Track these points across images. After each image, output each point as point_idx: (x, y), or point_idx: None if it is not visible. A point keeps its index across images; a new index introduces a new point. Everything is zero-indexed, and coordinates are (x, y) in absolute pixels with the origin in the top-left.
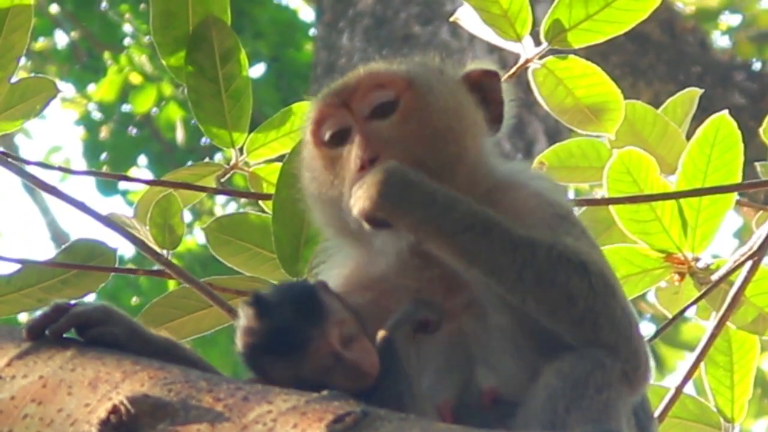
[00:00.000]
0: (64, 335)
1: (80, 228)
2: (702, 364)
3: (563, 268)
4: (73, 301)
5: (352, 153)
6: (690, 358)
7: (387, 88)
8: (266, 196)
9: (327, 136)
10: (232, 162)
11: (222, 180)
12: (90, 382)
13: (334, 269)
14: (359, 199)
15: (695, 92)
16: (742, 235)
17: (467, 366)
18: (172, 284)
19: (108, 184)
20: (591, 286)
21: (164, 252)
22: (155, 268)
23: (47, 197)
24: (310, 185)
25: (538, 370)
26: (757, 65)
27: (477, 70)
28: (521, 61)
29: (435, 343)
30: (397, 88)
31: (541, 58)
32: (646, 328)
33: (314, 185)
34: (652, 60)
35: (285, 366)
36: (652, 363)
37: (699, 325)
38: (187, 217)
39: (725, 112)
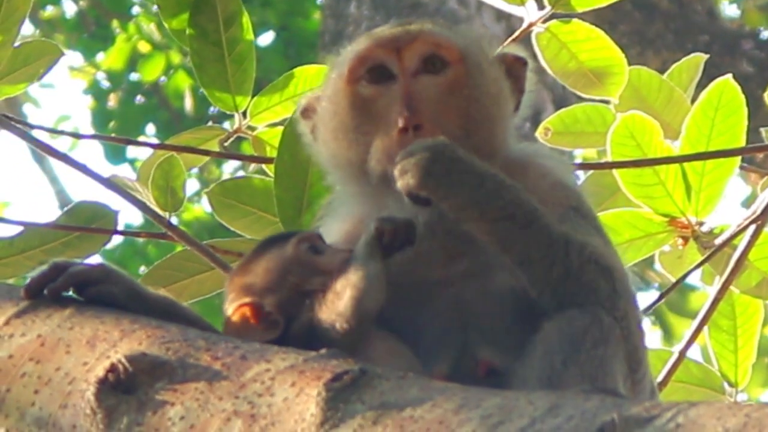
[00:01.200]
0: (63, 294)
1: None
2: (705, 329)
3: (591, 269)
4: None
5: (394, 106)
6: (694, 323)
7: (442, 49)
8: (269, 160)
9: (365, 70)
10: (236, 126)
11: (225, 144)
12: (88, 341)
13: (336, 223)
14: (405, 174)
15: (700, 58)
16: (750, 204)
17: (463, 335)
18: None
19: (116, 151)
20: (615, 290)
21: (166, 215)
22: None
23: (55, 165)
24: (330, 126)
25: (534, 339)
26: (765, 34)
27: (511, 55)
28: (525, 25)
29: (432, 309)
30: (450, 56)
31: (544, 21)
32: (654, 297)
33: (337, 126)
34: (659, 29)
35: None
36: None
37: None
38: (195, 185)
39: (729, 76)
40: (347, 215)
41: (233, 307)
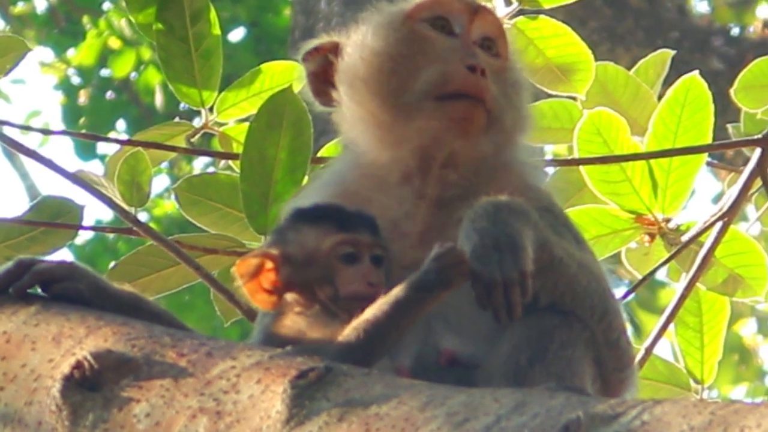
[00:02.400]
0: (28, 291)
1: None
2: (672, 326)
3: (585, 277)
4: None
5: (457, 52)
6: (661, 320)
7: (501, 37)
8: (234, 156)
9: (431, 15)
10: (203, 122)
11: (192, 140)
12: (54, 338)
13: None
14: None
15: (667, 54)
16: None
17: (426, 323)
18: None
19: (86, 148)
20: (605, 289)
21: (132, 210)
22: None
23: (26, 161)
24: (371, 56)
25: (501, 333)
26: (735, 30)
27: None
28: None
29: None
30: (503, 48)
31: (512, 18)
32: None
33: (381, 55)
34: (630, 25)
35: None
36: (636, 380)
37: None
38: (166, 181)
39: (696, 72)
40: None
41: (258, 249)
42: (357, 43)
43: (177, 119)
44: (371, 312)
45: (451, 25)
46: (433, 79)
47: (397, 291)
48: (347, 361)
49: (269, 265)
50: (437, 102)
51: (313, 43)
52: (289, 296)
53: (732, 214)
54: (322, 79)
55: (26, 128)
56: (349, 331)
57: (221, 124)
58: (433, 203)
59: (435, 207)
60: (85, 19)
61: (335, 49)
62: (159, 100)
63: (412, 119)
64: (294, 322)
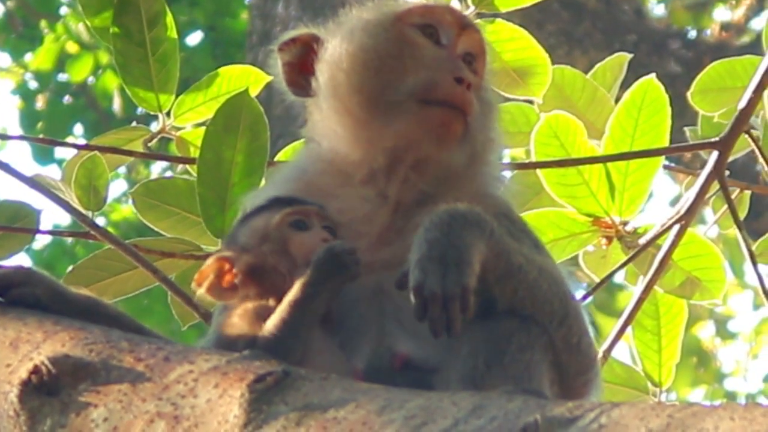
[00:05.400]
0: None
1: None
2: (630, 328)
3: (545, 282)
4: None
5: (445, 62)
6: (618, 323)
7: (483, 55)
8: (191, 160)
9: (422, 21)
10: (160, 126)
11: (149, 144)
12: (11, 343)
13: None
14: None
15: (624, 57)
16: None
17: (380, 326)
18: None
19: (43, 152)
20: (565, 293)
21: (89, 213)
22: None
23: None
24: (356, 53)
25: (458, 337)
26: (692, 33)
27: None
28: None
29: (351, 298)
30: (482, 64)
31: None
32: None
33: (367, 54)
34: (587, 28)
35: None
36: (601, 381)
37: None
38: (124, 185)
39: (653, 75)
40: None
41: (213, 256)
42: (343, 37)
43: (134, 123)
44: (278, 312)
45: (439, 35)
46: (421, 83)
47: (293, 290)
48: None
49: (226, 266)
50: (420, 105)
51: (291, 33)
52: (243, 291)
53: (689, 217)
54: (298, 70)
55: None
56: (264, 330)
57: (179, 129)
58: (394, 206)
59: (395, 210)
60: (43, 24)
61: (313, 41)
62: (117, 104)
63: (392, 119)
64: (240, 319)
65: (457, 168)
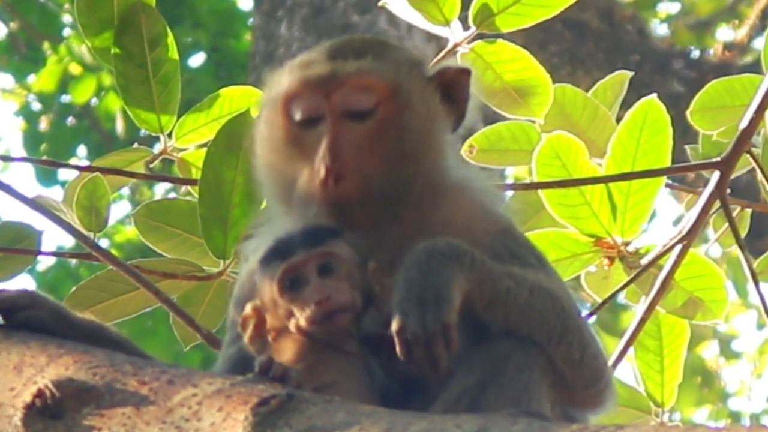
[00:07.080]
0: None
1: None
2: (632, 349)
3: (538, 300)
4: None
5: (320, 150)
6: (620, 343)
7: (370, 92)
8: (193, 182)
9: (298, 117)
10: (161, 147)
11: (151, 165)
12: (15, 366)
13: (266, 238)
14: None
15: (625, 75)
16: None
17: None
18: None
19: (47, 174)
20: (563, 308)
21: (91, 235)
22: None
23: None
24: (264, 147)
25: (456, 358)
26: (695, 53)
27: (453, 69)
28: (450, 46)
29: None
30: (380, 95)
31: (469, 42)
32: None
33: (269, 150)
34: (590, 48)
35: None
36: (614, 387)
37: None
38: (127, 207)
39: (654, 95)
40: (281, 228)
41: (252, 302)
42: (259, 127)
43: (136, 145)
44: None
45: (317, 110)
46: (303, 192)
47: None
48: None
49: (252, 314)
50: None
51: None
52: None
53: (691, 237)
54: None
55: None
56: None
57: (181, 150)
58: (403, 232)
59: (406, 236)
60: (46, 46)
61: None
62: (120, 125)
63: (306, 211)
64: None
65: (414, 189)
